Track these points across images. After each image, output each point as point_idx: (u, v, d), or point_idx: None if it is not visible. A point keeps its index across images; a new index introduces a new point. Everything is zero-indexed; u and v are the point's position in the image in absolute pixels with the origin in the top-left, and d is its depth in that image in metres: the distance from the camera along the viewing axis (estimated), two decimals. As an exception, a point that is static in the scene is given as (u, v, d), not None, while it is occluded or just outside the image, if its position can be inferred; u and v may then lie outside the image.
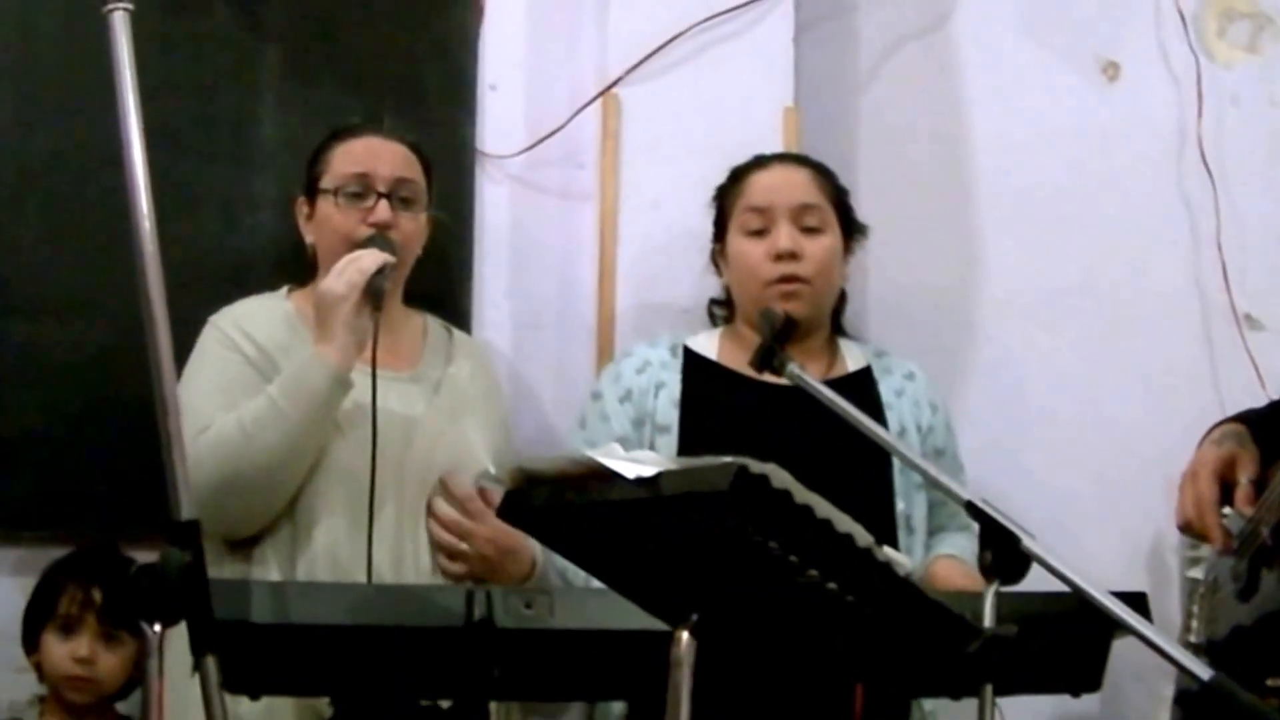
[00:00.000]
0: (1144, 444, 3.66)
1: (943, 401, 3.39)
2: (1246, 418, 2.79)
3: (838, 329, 3.42)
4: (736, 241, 3.26)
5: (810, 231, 3.23)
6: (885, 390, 3.30)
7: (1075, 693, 2.59)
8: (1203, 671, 1.93)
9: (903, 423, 3.26)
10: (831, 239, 3.26)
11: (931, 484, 2.71)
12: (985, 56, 3.99)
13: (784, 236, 3.20)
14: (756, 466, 1.80)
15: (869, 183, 3.72)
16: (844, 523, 1.89)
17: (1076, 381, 3.85)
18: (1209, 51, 3.92)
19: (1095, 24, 3.97)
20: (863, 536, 1.91)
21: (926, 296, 3.91)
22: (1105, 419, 3.81)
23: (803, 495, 1.84)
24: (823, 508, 1.86)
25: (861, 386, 3.27)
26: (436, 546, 3.01)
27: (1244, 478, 2.61)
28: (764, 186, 3.28)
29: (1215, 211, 3.79)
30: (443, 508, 3.00)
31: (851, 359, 3.35)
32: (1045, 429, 3.86)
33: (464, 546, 2.99)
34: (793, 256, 3.19)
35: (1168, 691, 3.02)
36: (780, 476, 1.82)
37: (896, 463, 3.16)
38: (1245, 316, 3.73)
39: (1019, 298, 3.91)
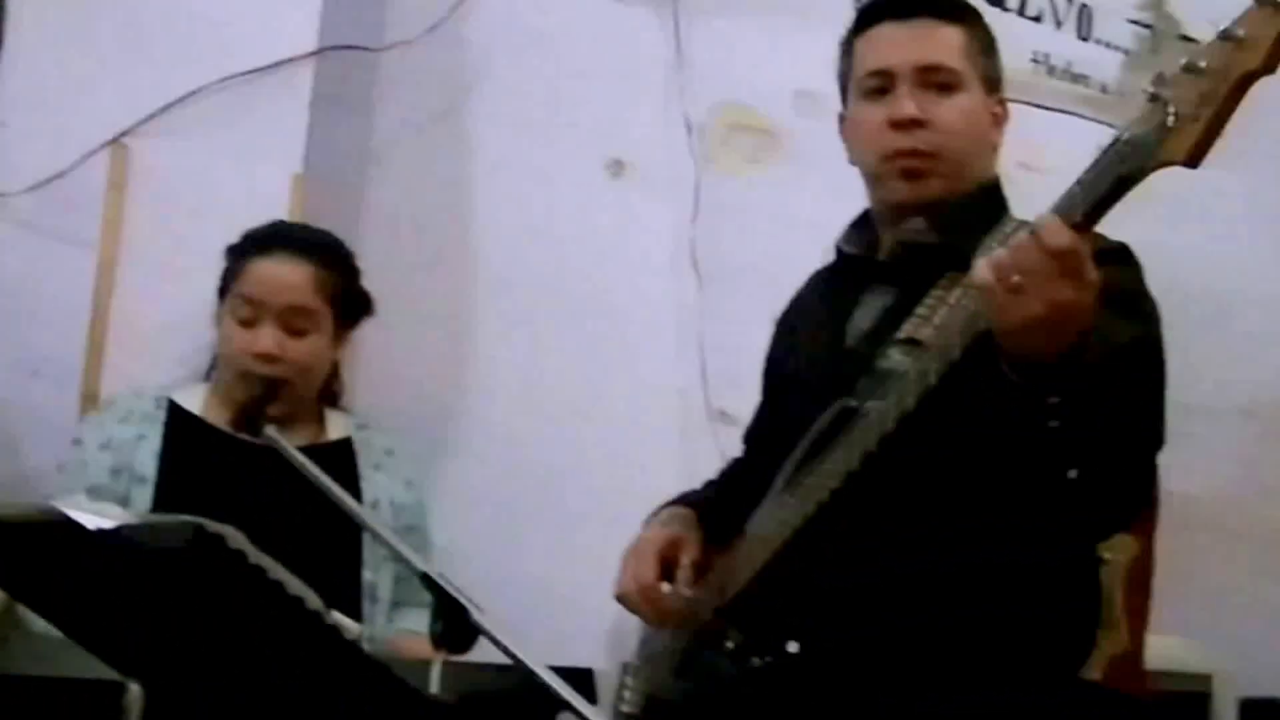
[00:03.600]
0: (617, 531, 3.79)
1: (420, 480, 3.48)
2: (692, 501, 2.92)
3: (327, 398, 3.47)
4: None
5: None
6: (363, 463, 3.37)
7: (518, 764, 2.68)
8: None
9: (377, 496, 3.33)
10: None
11: (392, 553, 2.77)
12: (495, 144, 4.07)
13: None
14: (214, 527, 1.85)
15: (373, 258, 3.69)
16: (296, 586, 1.95)
17: (557, 470, 3.95)
18: (712, 160, 4.07)
19: (605, 121, 4.08)
20: (313, 600, 1.98)
21: (420, 375, 3.97)
22: (585, 508, 3.91)
23: (257, 557, 1.90)
24: (275, 571, 1.92)
25: (341, 456, 3.34)
26: None
27: (686, 559, 2.72)
28: None
29: (700, 314, 3.96)
30: None
31: (334, 428, 3.42)
32: (531, 512, 3.95)
33: None
34: None
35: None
36: (236, 538, 1.88)
37: (366, 534, 3.23)
38: (719, 412, 3.90)
39: (510, 385, 3.99)
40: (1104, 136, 3.80)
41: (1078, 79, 4.03)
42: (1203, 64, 1.83)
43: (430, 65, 4.06)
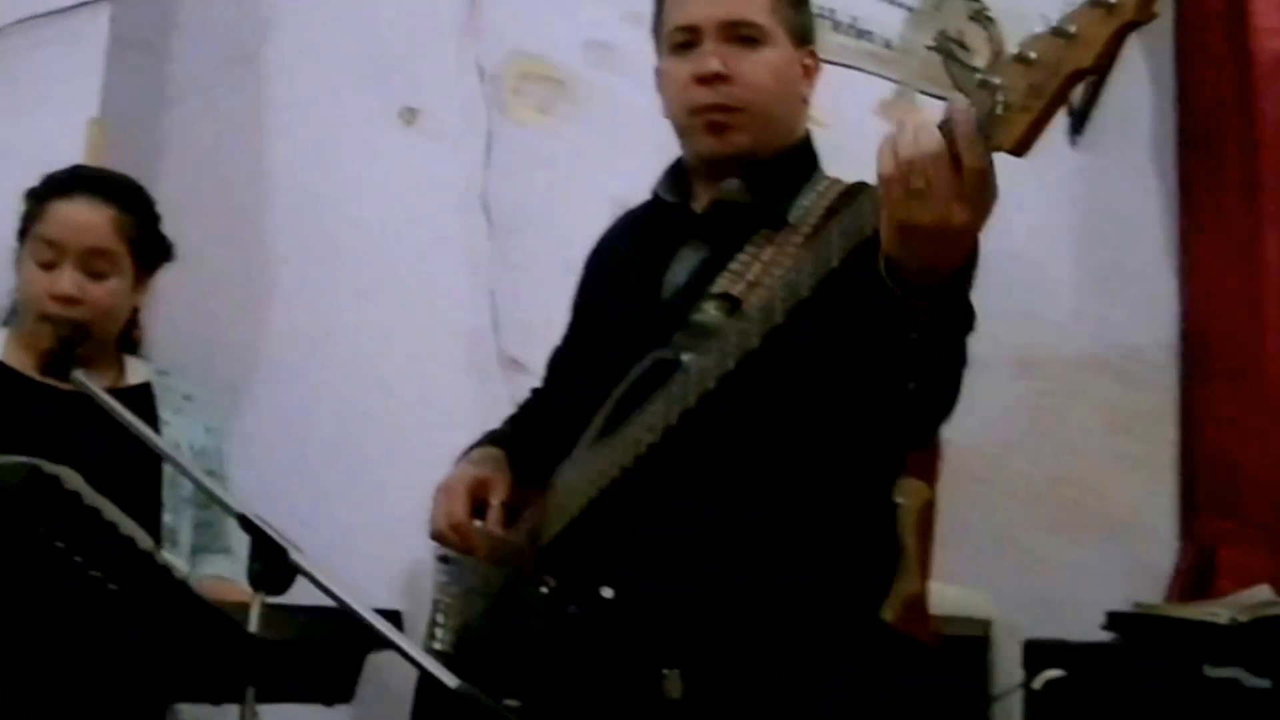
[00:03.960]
0: (411, 475, 3.80)
1: (220, 427, 3.50)
2: (502, 441, 2.96)
3: (125, 344, 3.45)
4: None
5: None
6: (163, 408, 3.36)
7: (329, 701, 2.73)
8: (451, 681, 2.09)
9: (177, 441, 3.32)
10: None
11: (208, 496, 2.76)
12: (290, 89, 4.06)
13: None
14: (50, 468, 1.89)
15: (172, 202, 3.60)
16: (128, 526, 1.99)
17: (352, 416, 3.98)
18: (504, 107, 4.11)
19: (398, 66, 4.09)
20: (144, 540, 2.02)
21: (215, 322, 3.95)
22: (380, 453, 3.96)
23: (92, 498, 1.94)
24: (110, 511, 1.96)
25: (141, 401, 3.31)
26: None
27: (495, 500, 2.75)
28: None
29: (491, 261, 4.02)
30: None
31: (134, 374, 3.41)
32: (325, 458, 3.97)
33: None
34: None
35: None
36: (72, 479, 1.91)
37: (166, 477, 3.24)
38: (510, 359, 3.96)
39: (305, 330, 4.00)
40: (888, 92, 3.97)
41: (863, 34, 4.13)
42: (1033, 56, 1.88)
43: (226, 9, 4.04)
